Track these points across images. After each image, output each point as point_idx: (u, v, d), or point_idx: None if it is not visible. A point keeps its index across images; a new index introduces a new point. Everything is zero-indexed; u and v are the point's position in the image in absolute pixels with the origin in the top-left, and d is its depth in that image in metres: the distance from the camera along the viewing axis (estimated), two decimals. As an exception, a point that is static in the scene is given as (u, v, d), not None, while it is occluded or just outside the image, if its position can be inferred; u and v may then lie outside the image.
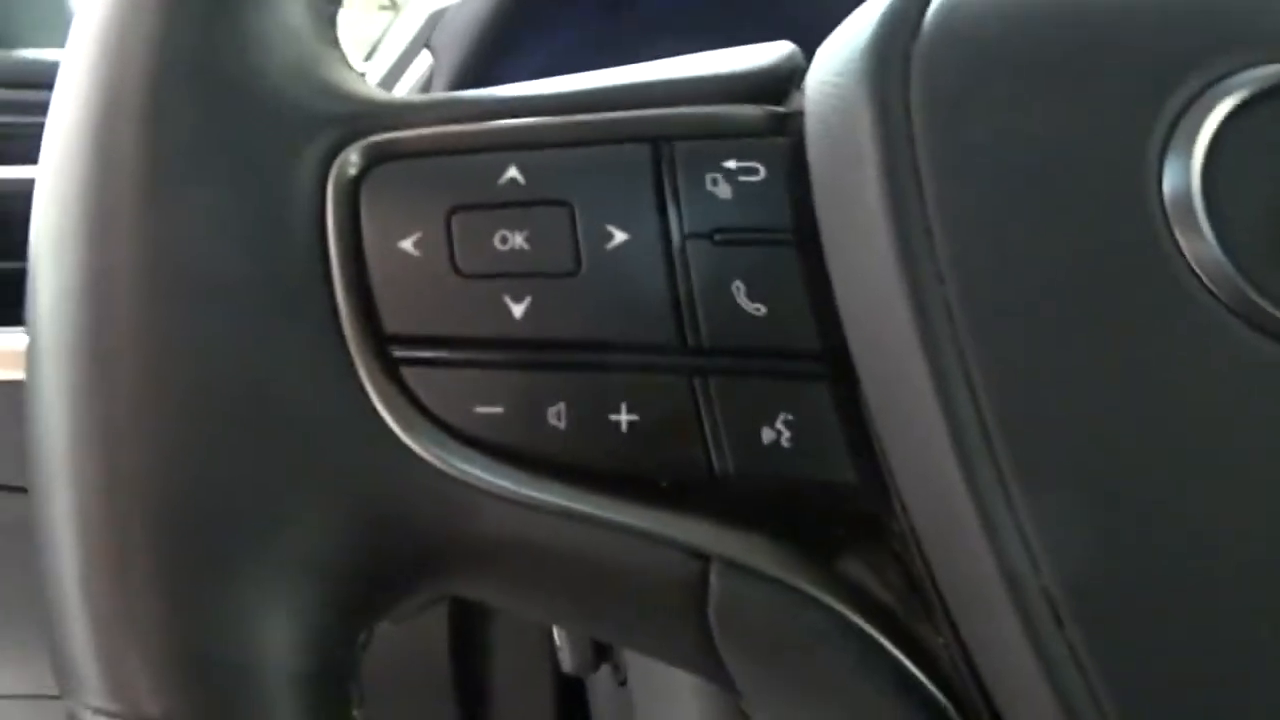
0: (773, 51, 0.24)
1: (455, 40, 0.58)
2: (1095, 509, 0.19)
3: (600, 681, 0.54)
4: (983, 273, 0.20)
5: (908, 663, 0.21)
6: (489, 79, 0.60)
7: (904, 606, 0.21)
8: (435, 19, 0.60)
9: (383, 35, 0.88)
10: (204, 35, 0.22)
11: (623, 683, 0.50)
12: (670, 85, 0.23)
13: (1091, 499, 0.19)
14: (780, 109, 0.23)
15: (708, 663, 0.22)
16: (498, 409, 0.21)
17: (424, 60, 0.60)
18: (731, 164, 0.22)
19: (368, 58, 0.87)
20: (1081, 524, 0.19)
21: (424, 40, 0.60)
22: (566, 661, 0.50)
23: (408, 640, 0.59)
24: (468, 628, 0.61)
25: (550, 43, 0.61)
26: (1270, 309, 0.19)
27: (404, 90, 0.59)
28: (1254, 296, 0.19)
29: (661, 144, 0.22)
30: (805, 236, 0.22)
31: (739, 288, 0.21)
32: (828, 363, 0.21)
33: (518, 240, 0.22)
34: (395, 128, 0.23)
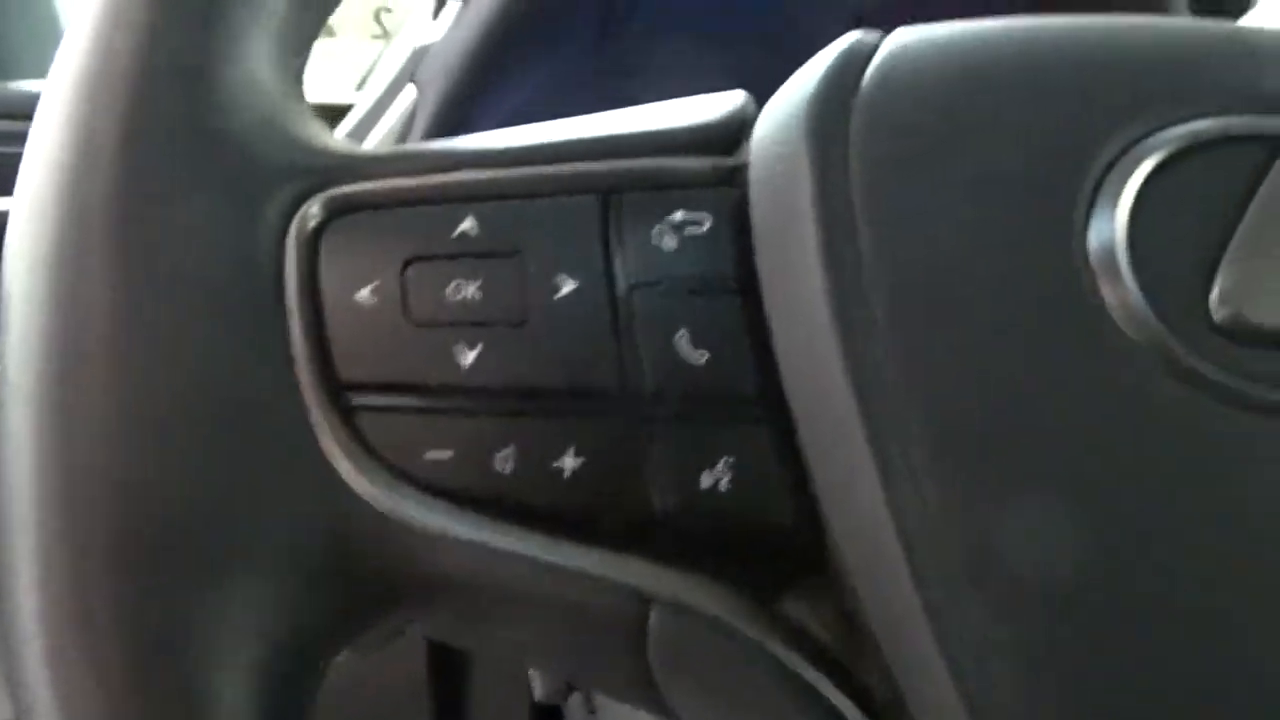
0: (723, 103, 0.25)
1: (439, 75, 0.59)
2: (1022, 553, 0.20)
3: (574, 709, 0.55)
4: (916, 326, 0.21)
5: (846, 702, 0.22)
6: (474, 114, 0.61)
7: (841, 646, 0.22)
8: (420, 54, 0.61)
9: (374, 65, 0.89)
10: (176, 89, 0.23)
11: (593, 711, 0.51)
12: (620, 139, 0.24)
13: (1015, 541, 0.20)
14: (729, 161, 0.24)
15: (649, 697, 0.23)
16: (447, 454, 0.22)
17: (409, 94, 0.61)
18: (677, 216, 0.23)
19: (359, 87, 0.89)
20: (1008, 568, 0.20)
21: (408, 75, 0.61)
22: (539, 689, 0.51)
23: (387, 666, 0.59)
24: (446, 655, 0.61)
25: (536, 77, 0.62)
26: (1196, 361, 0.20)
27: (387, 126, 0.60)
28: (1179, 348, 0.20)
29: (610, 196, 0.23)
30: (748, 286, 0.23)
31: (682, 336, 0.22)
32: (767, 408, 0.22)
33: (470, 290, 0.23)
34: (356, 180, 0.24)
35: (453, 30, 0.60)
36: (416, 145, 0.25)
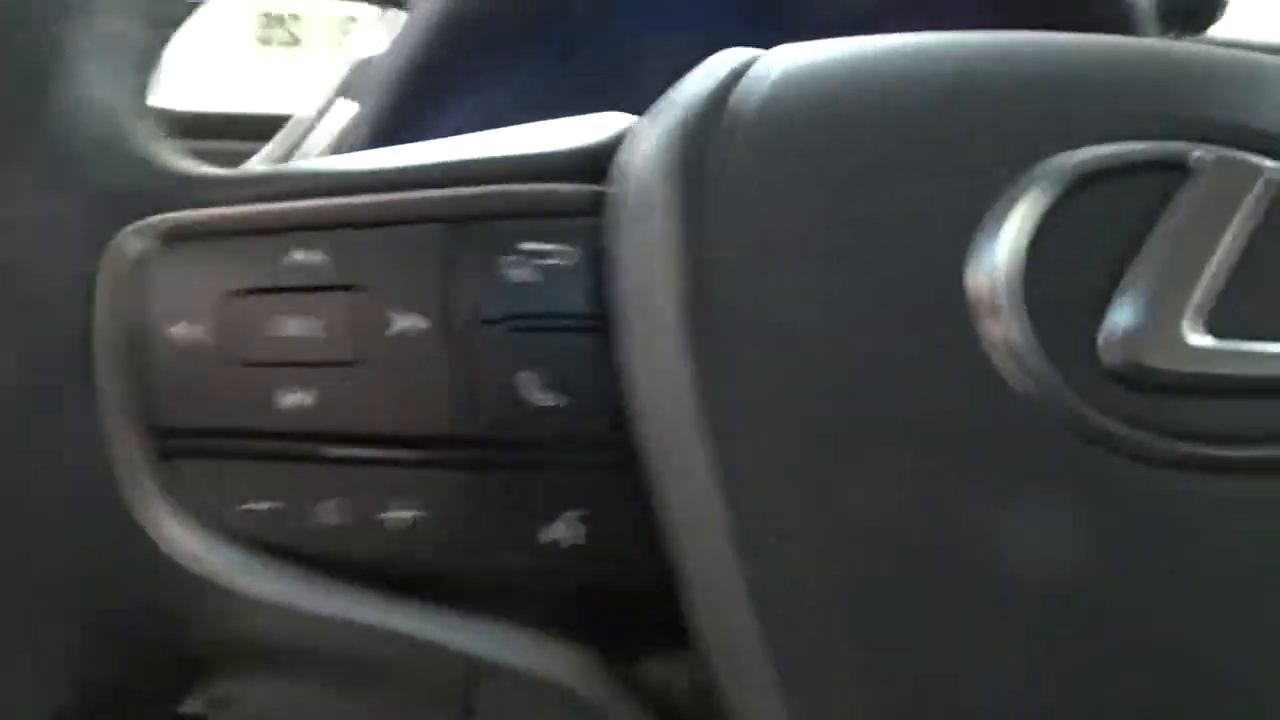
0: (603, 126, 0.23)
1: (377, 89, 0.57)
2: (881, 620, 0.18)
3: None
4: (778, 375, 0.19)
5: None
6: (416, 132, 0.59)
7: (696, 713, 0.20)
8: (361, 67, 0.59)
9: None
10: (9, 106, 0.21)
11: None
12: (480, 164, 0.23)
13: (878, 607, 0.18)
14: (598, 188, 0.22)
15: None
16: (267, 505, 0.20)
17: (348, 109, 0.59)
18: (533, 246, 0.21)
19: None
20: (866, 639, 0.18)
21: (346, 88, 0.59)
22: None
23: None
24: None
25: (497, 94, 0.60)
26: (1088, 411, 0.18)
27: (322, 141, 0.58)
28: (1069, 397, 0.19)
29: (460, 225, 0.21)
30: (609, 323, 0.21)
31: (530, 377, 0.21)
32: (622, 458, 0.20)
33: (299, 327, 0.21)
34: (190, 205, 0.22)
35: (394, 43, 0.58)
36: (261, 168, 0.23)
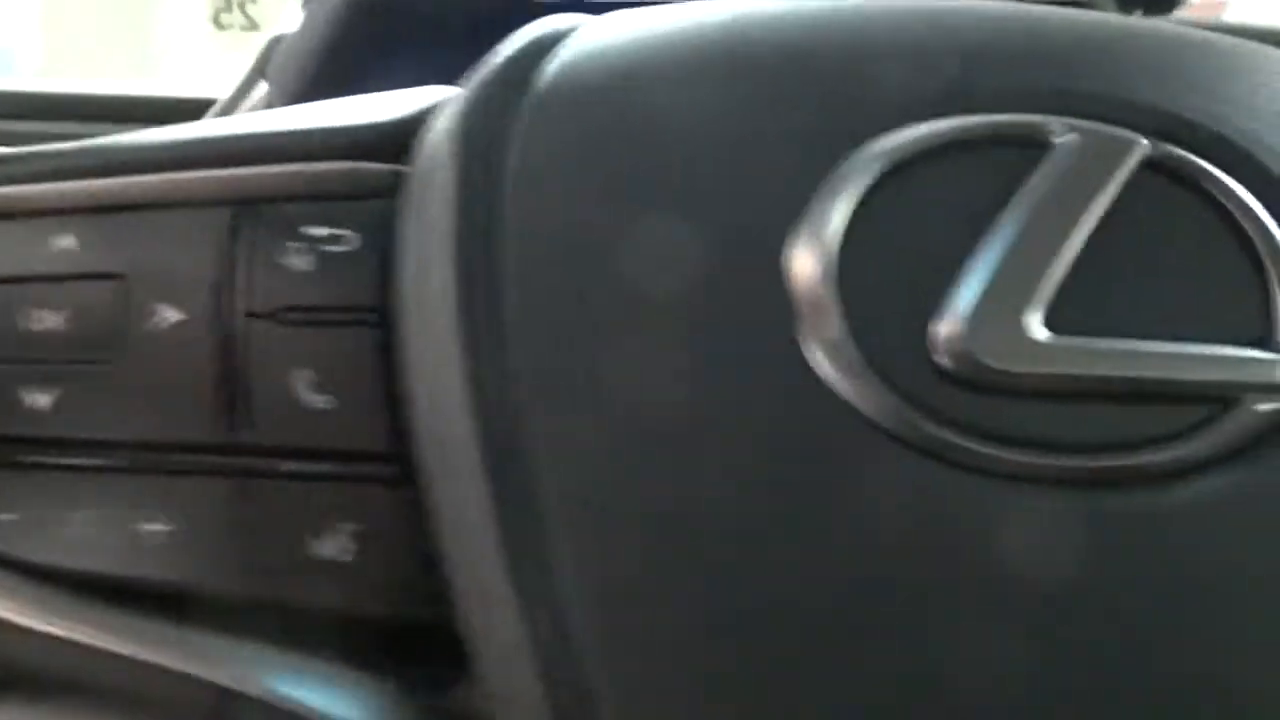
0: (412, 101, 0.22)
1: (288, 70, 0.55)
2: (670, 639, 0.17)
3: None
4: (568, 383, 0.17)
5: None
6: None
7: None
8: (273, 45, 0.57)
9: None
10: None
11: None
12: (268, 140, 0.21)
13: (665, 627, 0.17)
14: (399, 168, 0.20)
15: None
16: (13, 517, 0.18)
17: (263, 90, 0.57)
18: (319, 231, 0.19)
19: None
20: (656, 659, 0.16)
21: (260, 69, 0.57)
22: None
23: None
24: None
25: (402, 76, 0.58)
26: (918, 420, 0.17)
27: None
28: (897, 405, 0.17)
29: (243, 208, 0.19)
30: (388, 318, 0.19)
31: (303, 376, 0.19)
32: (399, 467, 0.18)
33: (52, 320, 0.19)
34: None
35: (306, 20, 0.56)
36: (34, 148, 0.21)
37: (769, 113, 0.18)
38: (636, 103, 0.18)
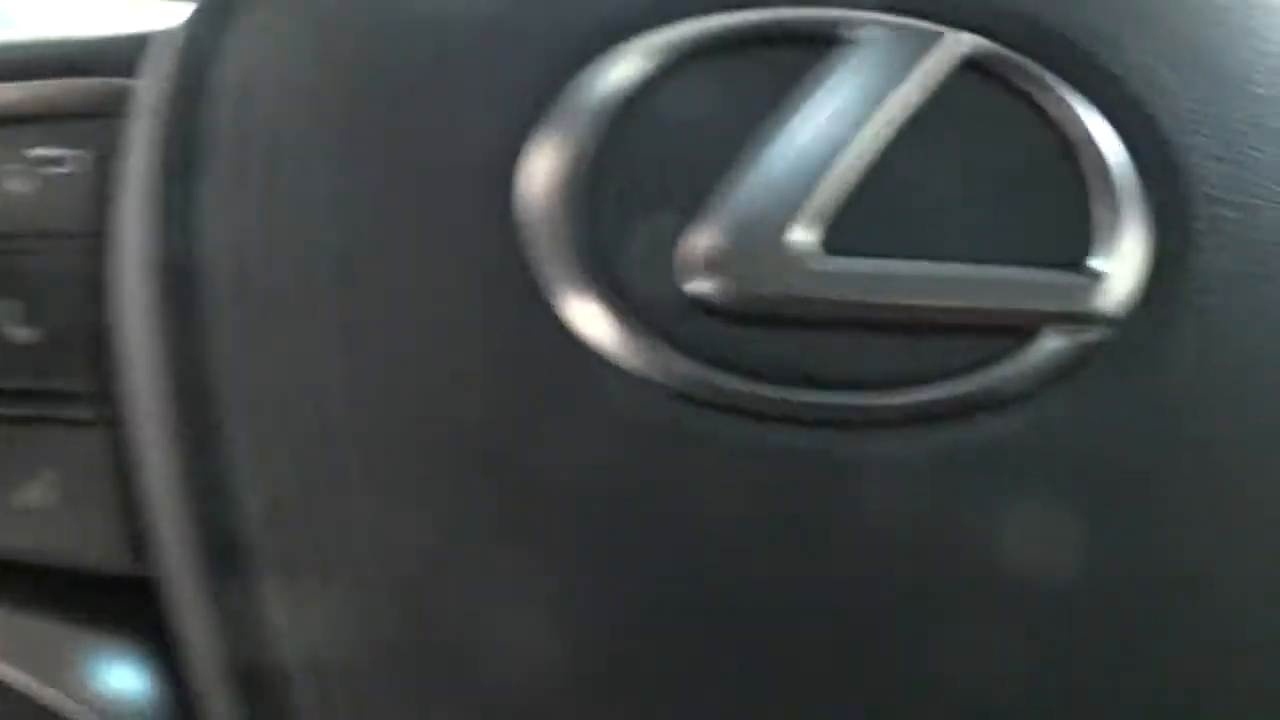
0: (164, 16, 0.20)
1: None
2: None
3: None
4: (268, 317, 0.15)
5: None
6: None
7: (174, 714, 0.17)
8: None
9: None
10: None
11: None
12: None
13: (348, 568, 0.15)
14: (130, 82, 0.18)
15: None
16: None
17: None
18: (44, 152, 0.18)
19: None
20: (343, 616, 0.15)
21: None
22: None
23: None
24: None
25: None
26: (662, 349, 0.15)
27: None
28: (638, 334, 0.15)
29: None
30: (105, 246, 0.17)
31: (11, 308, 0.17)
32: (104, 410, 0.17)
33: None
34: None
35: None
36: None
37: (512, 4, 0.16)
38: (352, 10, 0.17)
